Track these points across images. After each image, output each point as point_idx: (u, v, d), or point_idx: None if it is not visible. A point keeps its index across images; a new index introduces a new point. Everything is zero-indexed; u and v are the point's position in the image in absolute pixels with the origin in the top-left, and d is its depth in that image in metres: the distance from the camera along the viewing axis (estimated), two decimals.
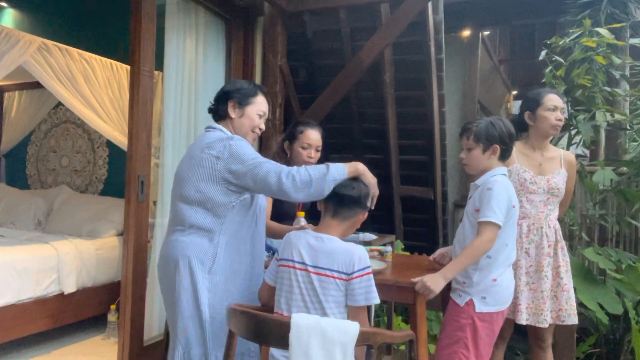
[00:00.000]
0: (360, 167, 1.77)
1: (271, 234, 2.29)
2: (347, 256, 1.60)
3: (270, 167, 1.74)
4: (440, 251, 2.30)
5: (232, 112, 1.93)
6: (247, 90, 1.95)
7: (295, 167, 1.74)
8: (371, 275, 1.62)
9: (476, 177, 2.05)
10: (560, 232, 2.36)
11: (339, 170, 1.73)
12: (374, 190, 1.79)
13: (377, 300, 1.60)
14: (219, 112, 1.96)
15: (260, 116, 1.97)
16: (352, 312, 1.62)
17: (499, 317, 1.98)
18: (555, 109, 2.31)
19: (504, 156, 2.01)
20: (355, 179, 1.74)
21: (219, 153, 1.78)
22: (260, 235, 1.96)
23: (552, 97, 2.34)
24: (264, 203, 2.00)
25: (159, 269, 1.93)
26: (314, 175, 1.71)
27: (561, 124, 2.34)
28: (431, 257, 2.32)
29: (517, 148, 2.38)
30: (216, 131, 1.90)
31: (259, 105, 1.96)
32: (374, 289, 1.61)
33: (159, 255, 1.93)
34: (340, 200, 1.69)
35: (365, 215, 1.74)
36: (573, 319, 2.29)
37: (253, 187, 1.79)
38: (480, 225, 1.89)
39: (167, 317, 1.93)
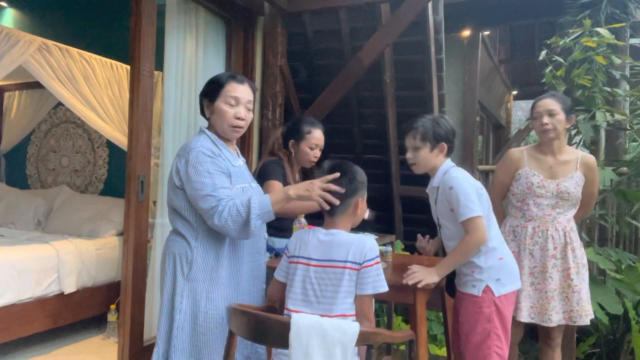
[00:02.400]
0: (290, 195, 1.72)
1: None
2: (359, 246, 1.63)
3: (208, 205, 1.67)
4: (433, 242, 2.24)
5: (207, 112, 1.85)
6: (215, 83, 1.82)
7: (228, 206, 1.67)
8: (380, 265, 1.65)
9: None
10: (572, 234, 2.34)
11: (264, 209, 1.69)
12: (314, 189, 1.67)
13: (385, 289, 1.63)
14: (202, 113, 1.90)
15: (232, 104, 1.80)
16: (358, 301, 1.63)
17: (513, 296, 2.01)
18: (539, 115, 2.31)
19: (450, 153, 2.04)
20: (332, 172, 1.68)
21: (180, 166, 1.75)
22: (254, 244, 1.90)
23: (538, 104, 2.35)
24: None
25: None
26: (244, 216, 1.66)
27: (548, 127, 2.29)
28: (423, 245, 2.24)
29: (529, 152, 2.39)
30: (199, 135, 1.86)
31: (229, 92, 1.80)
32: (383, 278, 1.64)
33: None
34: None
35: (359, 199, 1.70)
36: (584, 320, 2.29)
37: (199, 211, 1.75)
38: (465, 224, 1.90)
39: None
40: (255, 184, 1.96)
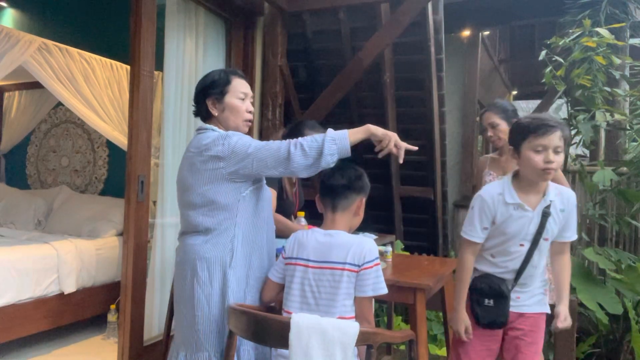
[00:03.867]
0: (370, 129, 1.70)
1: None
2: (358, 248, 1.62)
3: (276, 143, 1.67)
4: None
5: (214, 110, 1.83)
6: (220, 80, 1.83)
7: (299, 138, 1.66)
8: (380, 267, 1.64)
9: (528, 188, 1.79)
10: None
11: (340, 135, 1.65)
12: (391, 140, 1.69)
13: (385, 291, 1.62)
14: (201, 112, 1.86)
15: (242, 98, 1.85)
16: (357, 303, 1.63)
17: None
18: (485, 127, 2.52)
19: None
20: (341, 167, 1.72)
21: (219, 152, 1.71)
22: (270, 226, 1.91)
23: (482, 117, 2.53)
24: (269, 195, 1.94)
25: (176, 274, 1.86)
26: (319, 141, 1.63)
27: (493, 139, 2.50)
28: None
29: (492, 156, 2.63)
30: (208, 131, 1.81)
31: (237, 88, 1.84)
32: (382, 279, 1.63)
33: (175, 262, 1.87)
34: (334, 191, 1.71)
35: (362, 200, 1.74)
36: None
37: (264, 171, 1.70)
38: (568, 244, 1.86)
39: (179, 322, 1.84)
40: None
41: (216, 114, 1.84)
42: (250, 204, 1.79)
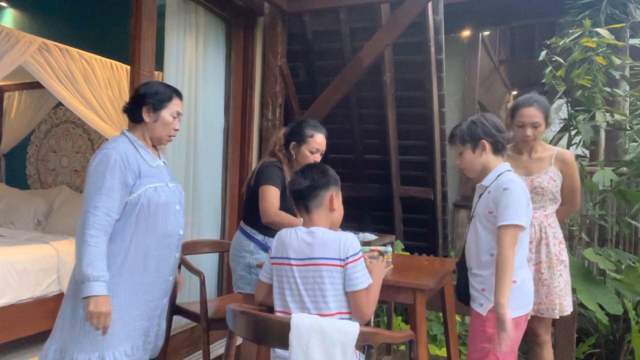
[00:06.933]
0: (89, 307, 1.73)
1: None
2: (341, 243, 1.64)
3: (84, 209, 1.84)
4: None
5: (147, 117, 1.93)
6: (162, 94, 1.95)
7: (95, 228, 1.80)
8: (363, 259, 1.67)
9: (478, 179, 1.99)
10: (549, 230, 2.34)
11: (93, 266, 1.75)
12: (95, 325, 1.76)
13: (371, 281, 1.66)
14: (133, 114, 1.96)
15: (174, 117, 1.97)
16: (351, 298, 1.63)
17: (523, 320, 1.91)
18: (523, 125, 2.33)
19: (498, 149, 1.95)
20: (302, 170, 1.78)
21: (91, 163, 1.87)
22: (150, 234, 1.90)
23: (523, 113, 2.33)
24: (168, 198, 1.94)
25: None
26: (89, 245, 1.78)
27: (530, 139, 2.34)
28: None
29: (507, 152, 2.45)
30: (118, 136, 1.93)
31: (174, 107, 1.97)
32: (367, 271, 1.67)
33: None
34: (302, 195, 1.73)
35: (333, 193, 1.74)
36: (551, 313, 2.31)
37: None
38: (501, 230, 1.79)
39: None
40: (173, 184, 2.00)
41: (147, 121, 1.94)
42: (119, 224, 1.86)
